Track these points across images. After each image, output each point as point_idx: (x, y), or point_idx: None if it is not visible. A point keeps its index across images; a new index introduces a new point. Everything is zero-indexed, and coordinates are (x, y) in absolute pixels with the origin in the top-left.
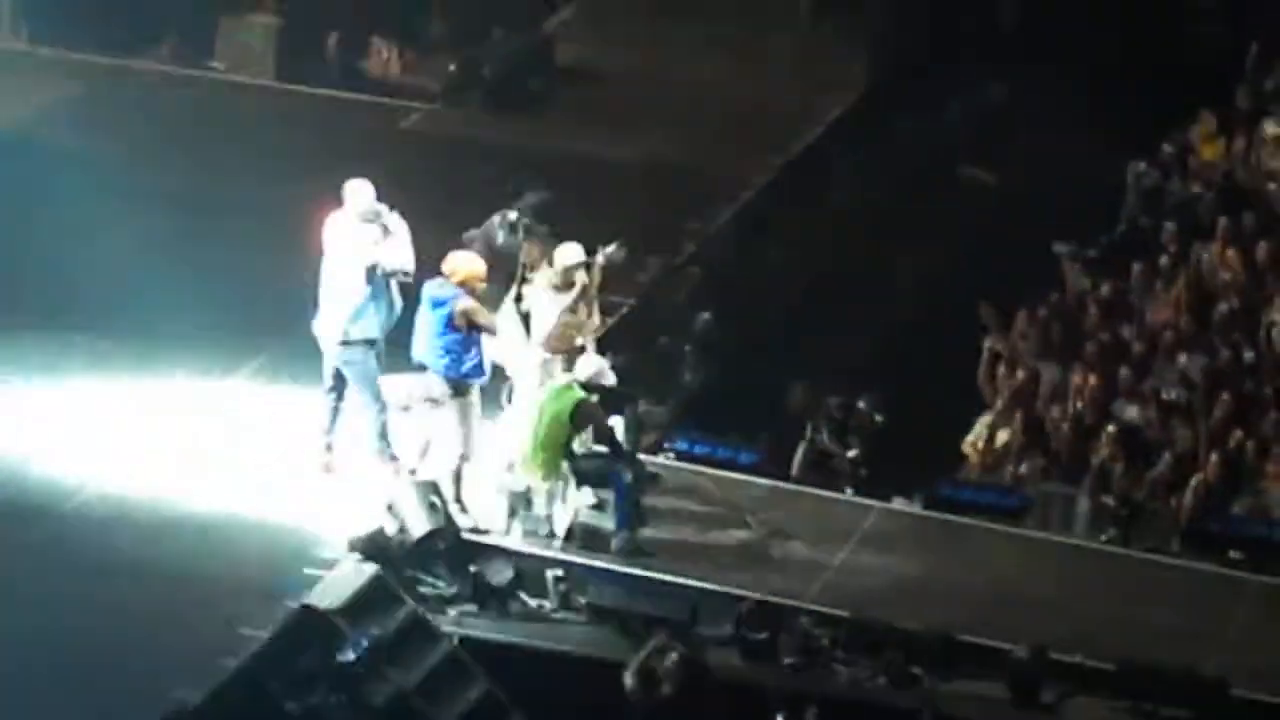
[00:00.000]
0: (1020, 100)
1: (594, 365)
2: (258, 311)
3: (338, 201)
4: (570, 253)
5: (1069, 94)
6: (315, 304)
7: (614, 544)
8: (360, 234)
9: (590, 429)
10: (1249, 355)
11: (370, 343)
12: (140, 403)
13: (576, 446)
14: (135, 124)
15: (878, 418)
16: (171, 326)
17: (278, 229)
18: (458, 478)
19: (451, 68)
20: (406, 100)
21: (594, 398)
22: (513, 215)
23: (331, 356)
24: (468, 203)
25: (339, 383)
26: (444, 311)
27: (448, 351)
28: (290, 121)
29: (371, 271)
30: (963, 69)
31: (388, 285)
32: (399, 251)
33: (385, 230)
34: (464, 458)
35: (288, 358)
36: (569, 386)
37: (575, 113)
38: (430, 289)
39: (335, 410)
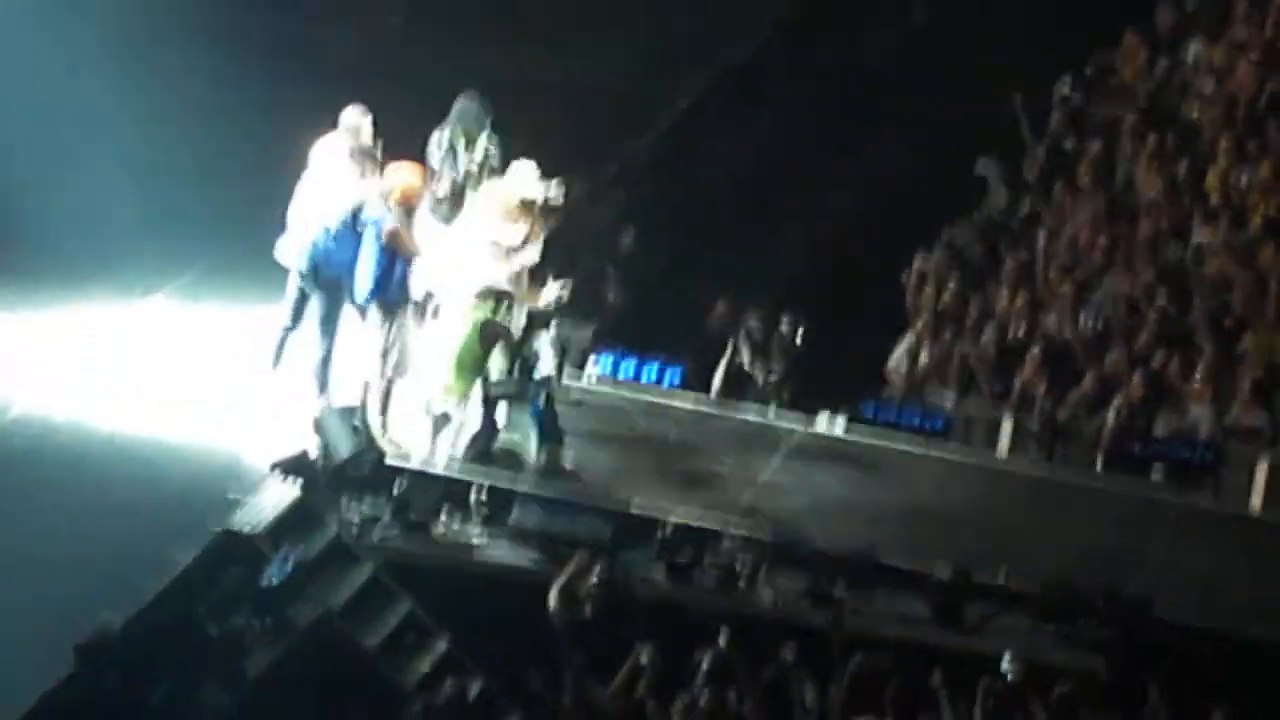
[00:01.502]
0: (943, 22)
1: (504, 281)
2: (185, 225)
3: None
4: (527, 178)
5: (991, 14)
6: (283, 226)
7: (534, 464)
8: (349, 169)
9: (502, 347)
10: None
11: (339, 279)
12: (64, 322)
13: (499, 367)
14: (48, 40)
15: (799, 336)
16: (95, 240)
17: (204, 148)
18: (384, 401)
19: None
20: (339, 24)
21: (502, 314)
22: (445, 135)
23: (295, 286)
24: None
25: (299, 309)
26: (377, 231)
27: (376, 272)
28: (220, 40)
29: (355, 212)
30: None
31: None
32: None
33: (372, 168)
34: (390, 381)
35: (211, 277)
36: (477, 305)
37: (497, 31)
38: (367, 209)
39: (287, 337)
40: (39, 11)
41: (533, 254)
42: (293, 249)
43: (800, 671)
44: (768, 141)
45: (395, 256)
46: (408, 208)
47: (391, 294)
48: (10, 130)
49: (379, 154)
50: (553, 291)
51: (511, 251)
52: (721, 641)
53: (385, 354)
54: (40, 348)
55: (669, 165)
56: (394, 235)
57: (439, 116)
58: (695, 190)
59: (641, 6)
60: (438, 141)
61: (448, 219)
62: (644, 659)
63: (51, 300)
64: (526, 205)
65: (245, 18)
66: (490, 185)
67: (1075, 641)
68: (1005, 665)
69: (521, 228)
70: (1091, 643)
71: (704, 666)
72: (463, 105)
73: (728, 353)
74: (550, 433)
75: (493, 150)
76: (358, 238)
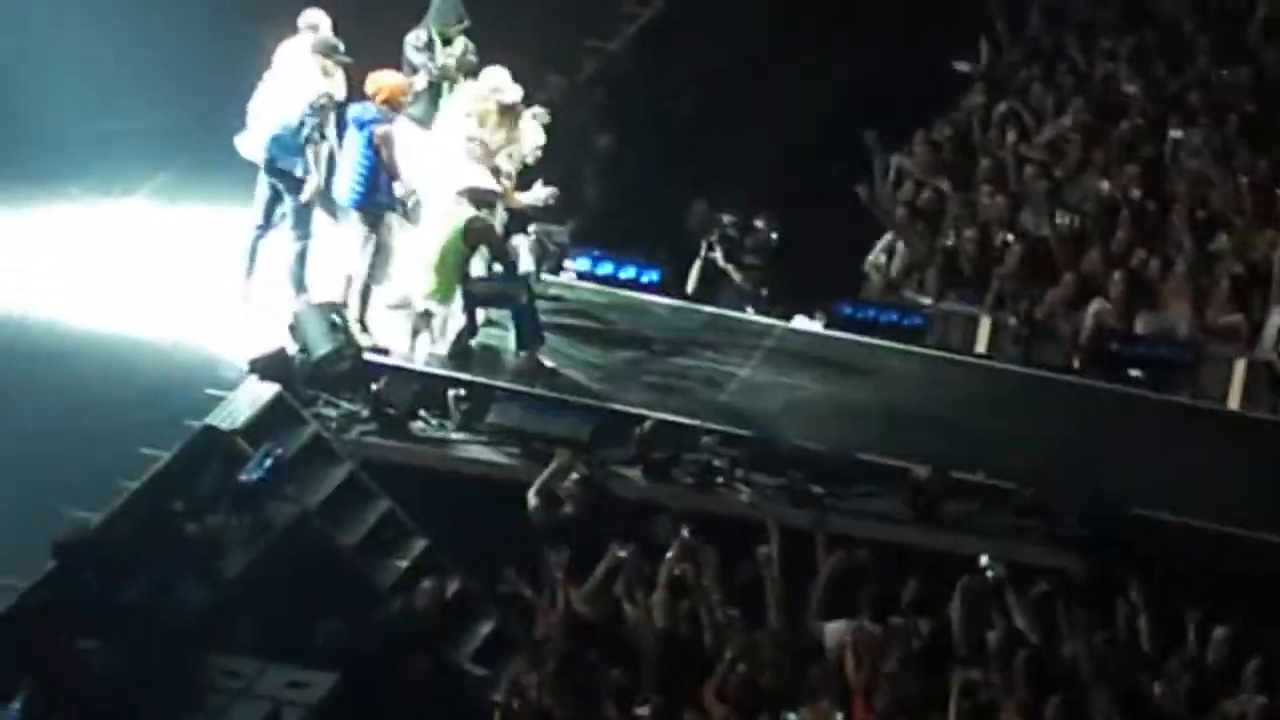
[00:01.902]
0: None
1: (488, 182)
2: (162, 126)
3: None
4: (503, 84)
5: None
6: (244, 123)
7: (514, 364)
8: (310, 65)
9: (486, 248)
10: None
11: (302, 175)
12: (40, 223)
13: (479, 266)
14: None
15: (774, 235)
16: (68, 146)
17: (177, 52)
18: (364, 300)
19: None
20: None
21: (486, 215)
22: (423, 33)
23: (265, 186)
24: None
25: (270, 208)
26: (365, 134)
27: (364, 176)
28: None
29: (318, 105)
30: None
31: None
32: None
33: (336, 65)
34: (371, 280)
35: (186, 179)
36: (459, 205)
37: None
38: (353, 110)
39: (260, 237)
40: None
41: (516, 157)
42: (253, 144)
43: (776, 570)
44: (744, 39)
45: (380, 160)
46: (394, 106)
47: (378, 198)
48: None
49: (341, 50)
50: (539, 194)
51: (492, 151)
52: (683, 535)
53: (366, 255)
54: (16, 247)
55: (645, 65)
56: (385, 138)
57: (416, 17)
58: (671, 90)
59: None
60: (415, 39)
61: (425, 117)
62: (620, 555)
63: (27, 200)
64: (506, 110)
65: None
66: (467, 85)
67: (1053, 540)
68: (983, 564)
69: (501, 133)
70: (1070, 541)
71: (671, 565)
72: (439, 3)
73: (702, 252)
74: (530, 331)
75: (470, 48)
76: (326, 135)
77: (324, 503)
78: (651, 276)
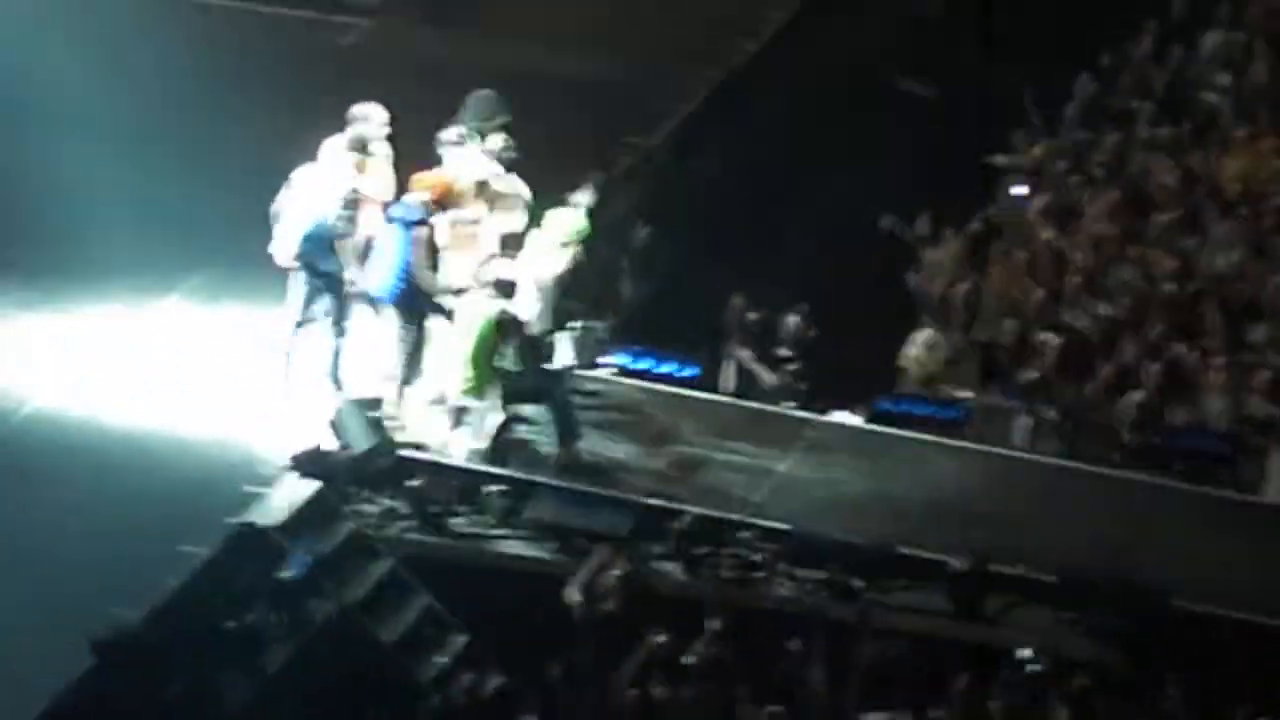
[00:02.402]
0: (954, 10)
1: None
2: (194, 230)
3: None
4: (476, 163)
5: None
6: (277, 226)
7: (553, 459)
8: (344, 161)
9: (518, 340)
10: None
11: (338, 271)
12: (79, 321)
13: (510, 362)
14: (58, 41)
15: (810, 330)
16: (108, 244)
17: (213, 148)
18: (402, 395)
19: None
20: (344, 16)
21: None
22: (457, 130)
23: (301, 281)
24: (412, 119)
25: (306, 305)
26: (408, 234)
27: (404, 273)
28: (226, 40)
29: (350, 201)
30: None
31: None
32: (378, 182)
33: (367, 160)
34: (409, 375)
35: (224, 277)
36: (490, 298)
37: (511, 25)
38: (397, 209)
39: (297, 334)
40: (46, 14)
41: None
42: (283, 245)
43: (814, 662)
44: (781, 133)
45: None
46: (443, 206)
47: (417, 299)
48: (26, 133)
49: (390, 150)
50: (562, 263)
51: (474, 231)
52: (715, 629)
53: (404, 351)
54: (57, 345)
55: (682, 159)
56: (425, 240)
57: (451, 113)
58: (709, 184)
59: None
60: (447, 136)
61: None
62: (656, 643)
63: (69, 299)
64: (481, 186)
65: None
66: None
67: (1094, 633)
68: (1023, 657)
69: (484, 209)
70: (1110, 634)
71: (704, 657)
72: (475, 100)
73: (730, 350)
74: (568, 426)
75: (509, 144)
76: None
77: (364, 599)
78: (690, 372)
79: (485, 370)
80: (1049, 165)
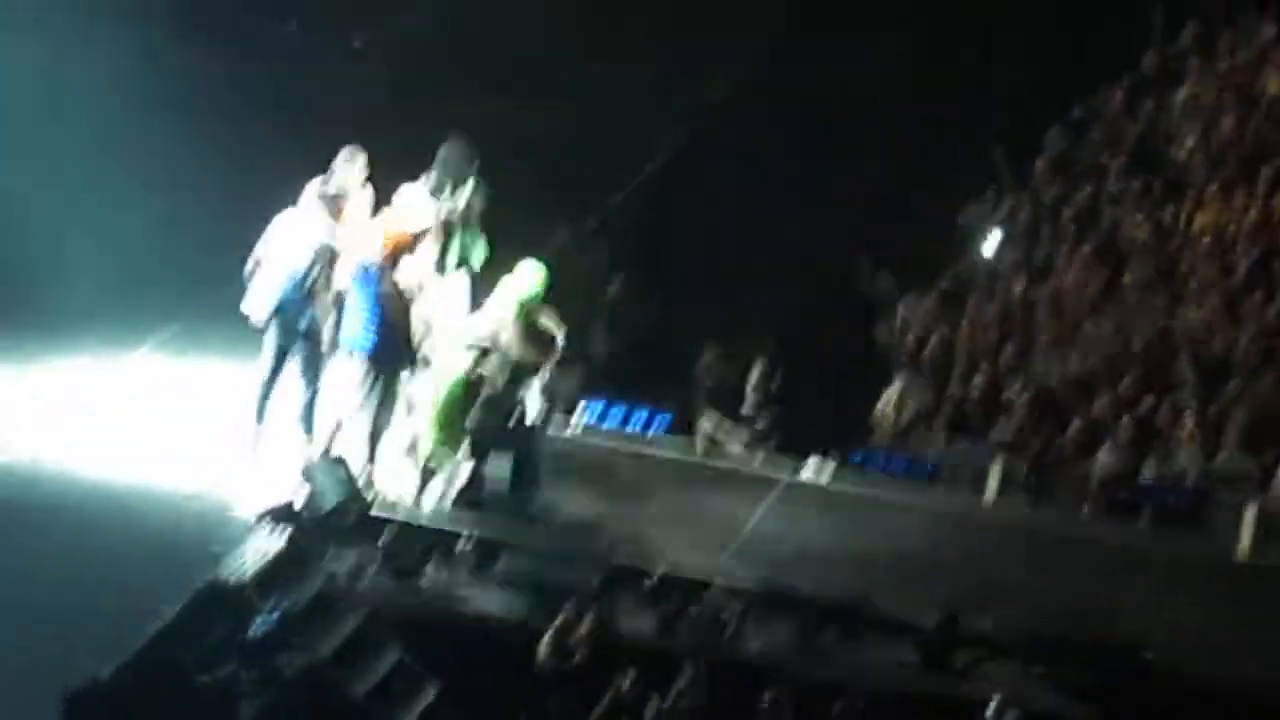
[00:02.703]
0: (925, 62)
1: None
2: (166, 281)
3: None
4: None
5: (971, 60)
6: (253, 281)
7: (514, 508)
8: (319, 212)
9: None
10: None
11: (312, 327)
12: (50, 374)
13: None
14: (35, 83)
15: (774, 383)
16: (80, 296)
17: (186, 199)
18: (371, 448)
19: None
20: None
21: (488, 362)
22: (431, 178)
23: (274, 336)
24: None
25: (278, 358)
26: (373, 290)
27: (374, 327)
28: (203, 84)
29: (322, 254)
30: (864, 30)
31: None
32: (355, 231)
33: (338, 211)
34: (377, 428)
35: (196, 329)
36: (463, 356)
37: (481, 81)
38: (359, 266)
39: (269, 387)
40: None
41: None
42: (259, 295)
43: (784, 717)
44: (750, 188)
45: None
46: (395, 261)
47: (384, 353)
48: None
49: (370, 195)
50: (558, 349)
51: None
52: (686, 683)
53: (373, 403)
54: (27, 398)
55: (653, 212)
56: (388, 296)
57: (424, 165)
58: (680, 236)
59: (621, 55)
60: (427, 185)
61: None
62: (624, 688)
63: (39, 352)
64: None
65: (238, 69)
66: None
67: (1063, 688)
68: (991, 713)
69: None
70: (1080, 689)
71: (674, 710)
72: (448, 151)
73: (704, 411)
74: (527, 476)
75: (477, 196)
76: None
77: (334, 653)
78: (662, 422)
79: (455, 425)
80: (1020, 219)
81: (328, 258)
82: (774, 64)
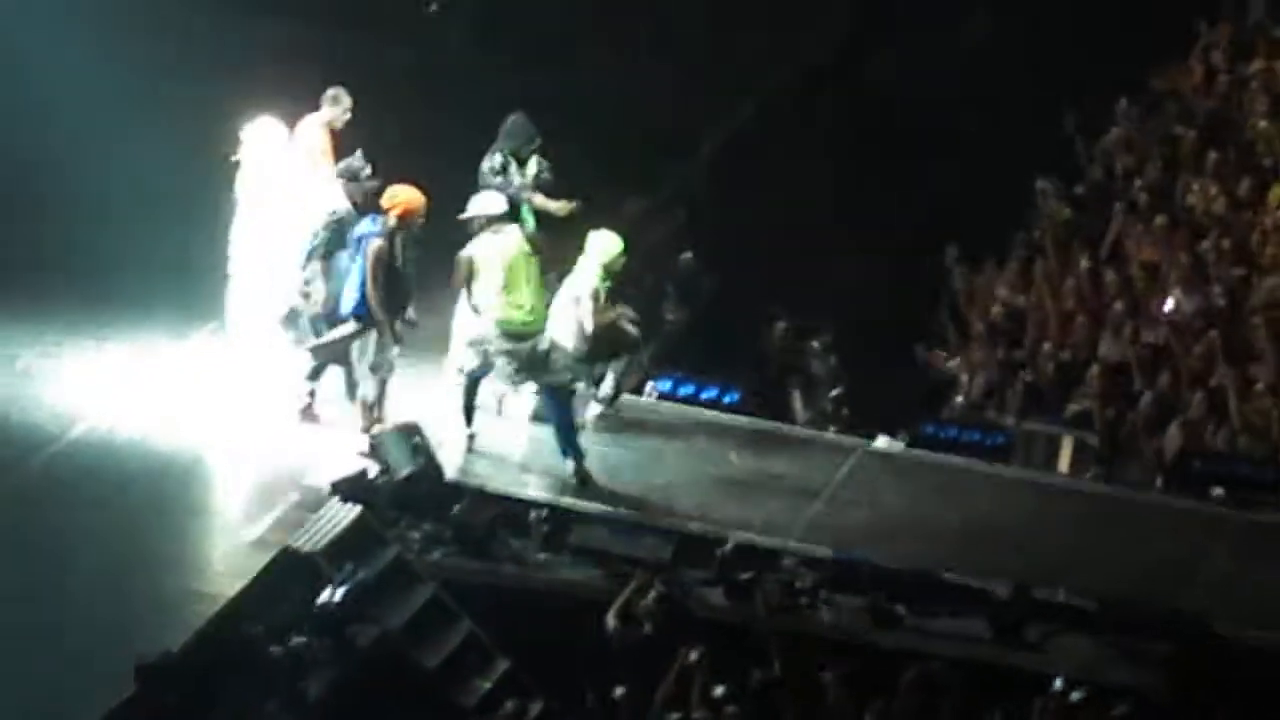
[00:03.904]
0: (998, 40)
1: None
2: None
3: None
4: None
5: (1047, 33)
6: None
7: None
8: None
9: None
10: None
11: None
12: (119, 350)
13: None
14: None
15: (832, 357)
16: (148, 276)
17: None
18: (379, 403)
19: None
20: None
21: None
22: (498, 158)
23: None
24: (443, 147)
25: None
26: (362, 247)
27: (359, 286)
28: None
29: (331, 224)
30: (942, 7)
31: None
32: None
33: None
34: (381, 385)
35: None
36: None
37: (553, 51)
38: (362, 225)
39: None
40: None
41: None
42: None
43: (855, 689)
44: (823, 161)
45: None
46: (405, 224)
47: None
48: (71, 165)
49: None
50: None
51: None
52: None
53: (367, 360)
54: (97, 375)
55: (723, 185)
56: (376, 254)
57: (489, 138)
58: (751, 210)
59: (698, 26)
60: (490, 165)
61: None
62: (692, 660)
63: (108, 330)
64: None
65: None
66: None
67: (1136, 660)
68: (1063, 685)
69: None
70: (1152, 661)
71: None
72: (511, 125)
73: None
74: (573, 443)
75: (545, 165)
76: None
77: (406, 624)
78: (732, 397)
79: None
80: (1093, 191)
81: (338, 223)
82: (849, 42)
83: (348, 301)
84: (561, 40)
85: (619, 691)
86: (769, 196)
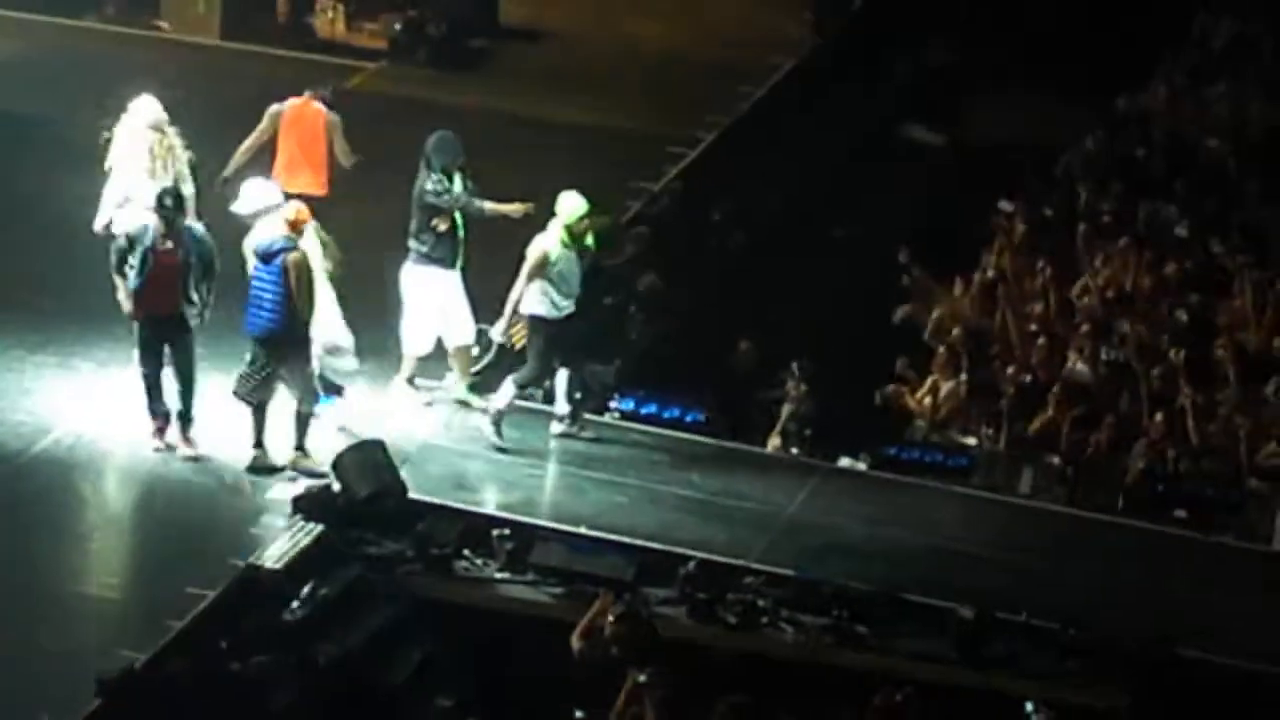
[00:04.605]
0: (961, 61)
1: None
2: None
3: None
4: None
5: (1011, 56)
6: None
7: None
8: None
9: None
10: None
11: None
12: (90, 359)
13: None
14: (77, 84)
15: (803, 378)
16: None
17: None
18: (303, 427)
19: (397, 26)
20: (352, 60)
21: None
22: (436, 175)
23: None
24: (412, 162)
25: None
26: (277, 264)
27: (277, 306)
28: (236, 80)
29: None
30: (907, 28)
31: None
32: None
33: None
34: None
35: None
36: None
37: (519, 72)
38: (263, 243)
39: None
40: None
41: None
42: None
43: (821, 710)
44: (786, 180)
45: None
46: (298, 231)
47: (292, 325)
48: (33, 176)
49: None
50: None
51: None
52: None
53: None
54: (69, 385)
55: (688, 204)
56: (297, 264)
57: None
58: (716, 229)
59: (664, 42)
60: (433, 184)
61: (448, 255)
62: (641, 681)
63: (79, 340)
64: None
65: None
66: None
67: (1098, 681)
68: (1029, 707)
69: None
70: (1114, 682)
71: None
72: (438, 142)
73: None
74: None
75: (468, 182)
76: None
77: (368, 641)
78: (695, 417)
79: None
80: (1057, 212)
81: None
82: (815, 61)
83: (268, 320)
84: (527, 62)
85: (578, 715)
86: (736, 214)
